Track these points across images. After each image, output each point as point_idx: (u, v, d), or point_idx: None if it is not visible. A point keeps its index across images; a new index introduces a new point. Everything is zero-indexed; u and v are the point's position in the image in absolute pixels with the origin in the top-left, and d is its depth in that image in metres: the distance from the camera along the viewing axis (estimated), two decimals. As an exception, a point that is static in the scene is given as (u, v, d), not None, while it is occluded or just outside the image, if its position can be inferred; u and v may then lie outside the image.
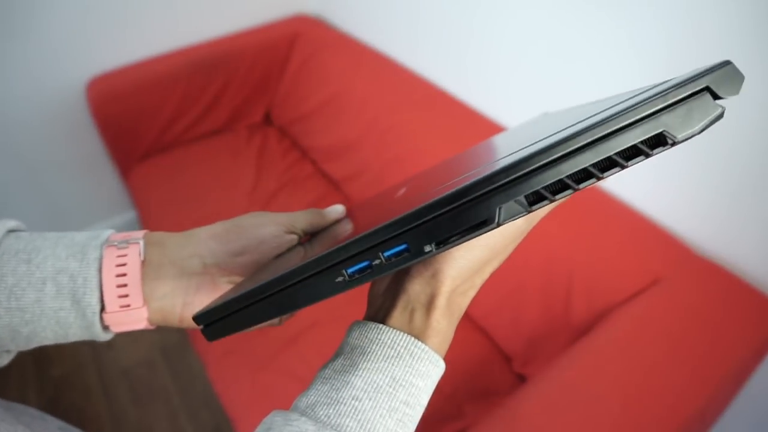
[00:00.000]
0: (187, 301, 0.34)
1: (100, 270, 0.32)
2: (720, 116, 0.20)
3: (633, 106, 0.20)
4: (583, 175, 0.20)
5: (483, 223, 0.21)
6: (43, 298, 0.31)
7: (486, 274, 0.31)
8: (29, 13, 1.28)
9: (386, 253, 0.23)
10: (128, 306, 0.32)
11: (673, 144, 0.20)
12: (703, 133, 0.20)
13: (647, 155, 0.20)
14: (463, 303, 0.30)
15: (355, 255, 0.23)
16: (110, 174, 1.64)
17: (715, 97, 0.20)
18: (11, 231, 0.33)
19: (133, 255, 0.32)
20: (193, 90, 1.49)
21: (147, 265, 0.33)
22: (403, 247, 0.22)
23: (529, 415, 0.69)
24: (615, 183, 0.98)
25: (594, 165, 0.20)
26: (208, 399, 1.36)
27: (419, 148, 1.19)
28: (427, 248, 0.22)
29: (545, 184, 0.20)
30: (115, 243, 0.33)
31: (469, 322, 1.09)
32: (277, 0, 1.62)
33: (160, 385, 1.41)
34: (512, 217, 0.21)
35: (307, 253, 0.35)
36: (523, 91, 1.10)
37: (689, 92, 0.19)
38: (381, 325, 0.29)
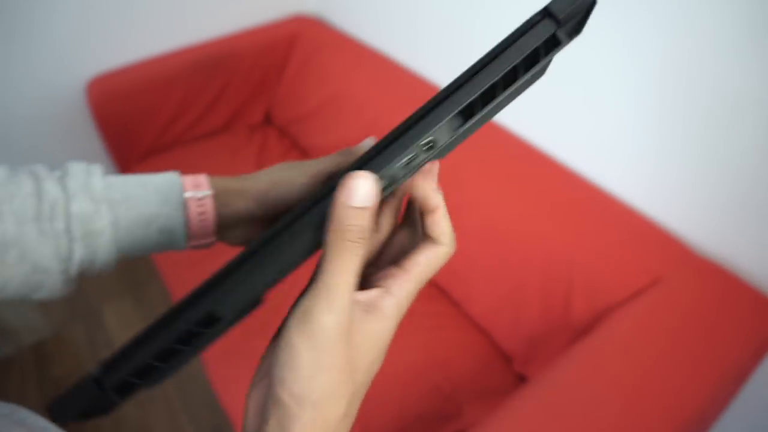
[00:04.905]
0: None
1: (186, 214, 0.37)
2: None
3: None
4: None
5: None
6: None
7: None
8: (30, 13, 1.28)
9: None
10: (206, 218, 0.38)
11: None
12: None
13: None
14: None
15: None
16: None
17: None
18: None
19: (210, 207, 0.38)
20: (193, 90, 1.49)
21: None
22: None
23: (529, 416, 0.69)
24: (615, 183, 0.98)
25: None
26: (208, 399, 1.36)
27: (419, 148, 1.19)
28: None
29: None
30: (196, 197, 0.38)
31: (469, 322, 1.09)
32: (276, 0, 1.63)
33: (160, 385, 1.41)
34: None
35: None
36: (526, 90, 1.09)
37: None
38: None
